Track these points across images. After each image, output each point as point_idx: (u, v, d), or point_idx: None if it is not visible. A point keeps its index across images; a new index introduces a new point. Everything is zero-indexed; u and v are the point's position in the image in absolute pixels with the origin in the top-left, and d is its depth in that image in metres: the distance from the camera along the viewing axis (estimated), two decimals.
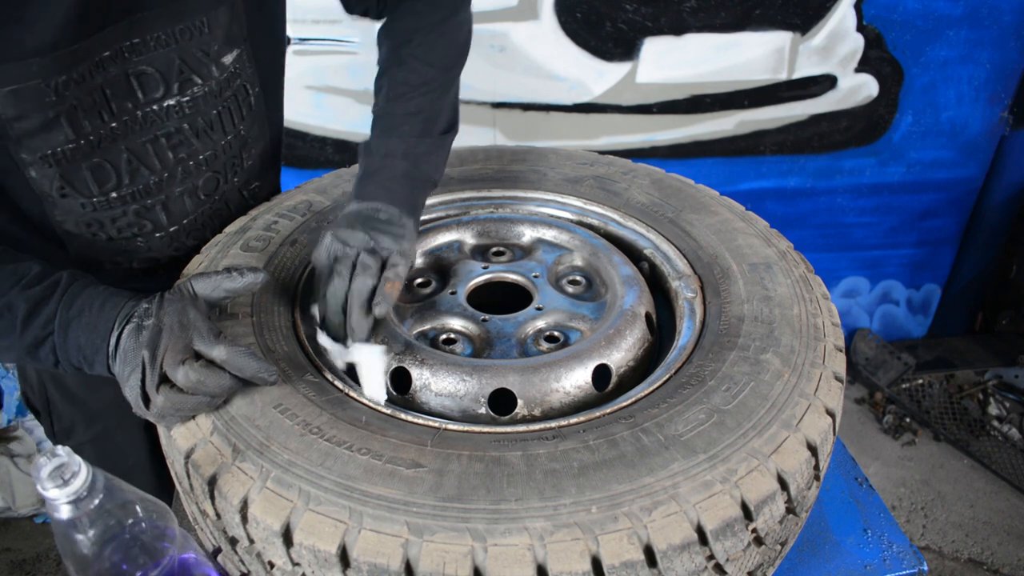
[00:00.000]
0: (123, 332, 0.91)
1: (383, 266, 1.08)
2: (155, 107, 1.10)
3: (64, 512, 0.70)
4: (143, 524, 0.75)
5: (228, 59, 1.16)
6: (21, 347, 0.94)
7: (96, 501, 0.71)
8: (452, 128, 1.28)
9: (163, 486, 0.96)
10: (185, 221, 1.23)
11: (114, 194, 1.12)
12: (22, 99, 0.96)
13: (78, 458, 0.71)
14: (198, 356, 0.90)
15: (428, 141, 1.22)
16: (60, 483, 0.69)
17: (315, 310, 1.09)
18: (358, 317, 1.02)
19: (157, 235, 1.21)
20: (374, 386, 1.00)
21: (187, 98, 1.13)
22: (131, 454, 0.88)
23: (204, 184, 1.23)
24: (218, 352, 0.90)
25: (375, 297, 1.04)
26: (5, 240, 1.01)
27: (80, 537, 0.72)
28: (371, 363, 1.01)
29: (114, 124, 1.07)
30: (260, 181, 1.36)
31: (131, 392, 0.89)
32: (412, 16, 1.26)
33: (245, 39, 1.18)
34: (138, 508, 0.75)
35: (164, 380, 0.89)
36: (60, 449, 0.71)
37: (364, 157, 1.23)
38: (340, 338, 1.04)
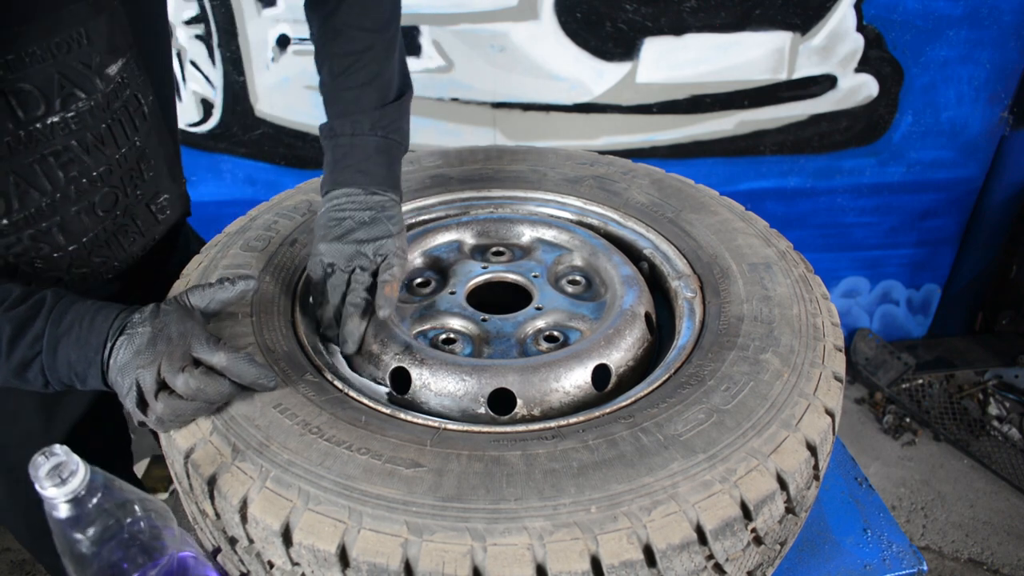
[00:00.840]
0: (117, 343, 0.91)
1: (376, 271, 1.11)
2: (38, 125, 1.02)
3: (62, 511, 0.70)
4: (142, 523, 0.75)
5: (113, 69, 1.09)
6: (8, 370, 0.93)
7: (94, 500, 0.71)
8: (406, 89, 1.26)
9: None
10: (85, 240, 1.15)
11: (4, 221, 1.04)
12: None
13: (76, 457, 0.71)
14: (197, 363, 0.90)
15: (389, 108, 1.20)
16: (58, 482, 0.69)
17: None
18: (350, 328, 1.07)
19: (55, 255, 1.13)
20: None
21: (71, 113, 1.05)
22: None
23: (101, 200, 1.14)
24: (218, 359, 0.89)
25: (377, 301, 1.07)
26: None
27: (79, 536, 0.72)
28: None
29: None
30: (167, 193, 1.28)
31: (130, 401, 0.89)
32: None
33: (130, 47, 1.11)
34: (137, 507, 0.75)
35: (163, 387, 0.88)
36: (58, 448, 0.71)
37: (329, 140, 1.20)
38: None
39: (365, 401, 0.95)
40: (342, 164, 1.17)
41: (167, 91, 1.26)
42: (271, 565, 0.84)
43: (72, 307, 0.94)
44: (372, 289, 1.11)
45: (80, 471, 0.70)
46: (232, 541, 0.86)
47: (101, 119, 1.09)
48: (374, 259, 1.12)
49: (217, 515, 0.85)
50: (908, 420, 3.17)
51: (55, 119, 1.03)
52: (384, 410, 0.94)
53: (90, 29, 1.03)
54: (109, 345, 0.91)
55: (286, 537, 0.79)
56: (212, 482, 0.84)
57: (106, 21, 1.05)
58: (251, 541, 0.83)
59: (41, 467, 0.70)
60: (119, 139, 1.13)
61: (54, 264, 1.13)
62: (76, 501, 0.70)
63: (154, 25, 1.20)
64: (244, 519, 0.81)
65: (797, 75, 2.74)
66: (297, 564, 0.80)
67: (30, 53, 0.97)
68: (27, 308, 0.93)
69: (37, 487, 0.70)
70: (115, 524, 0.73)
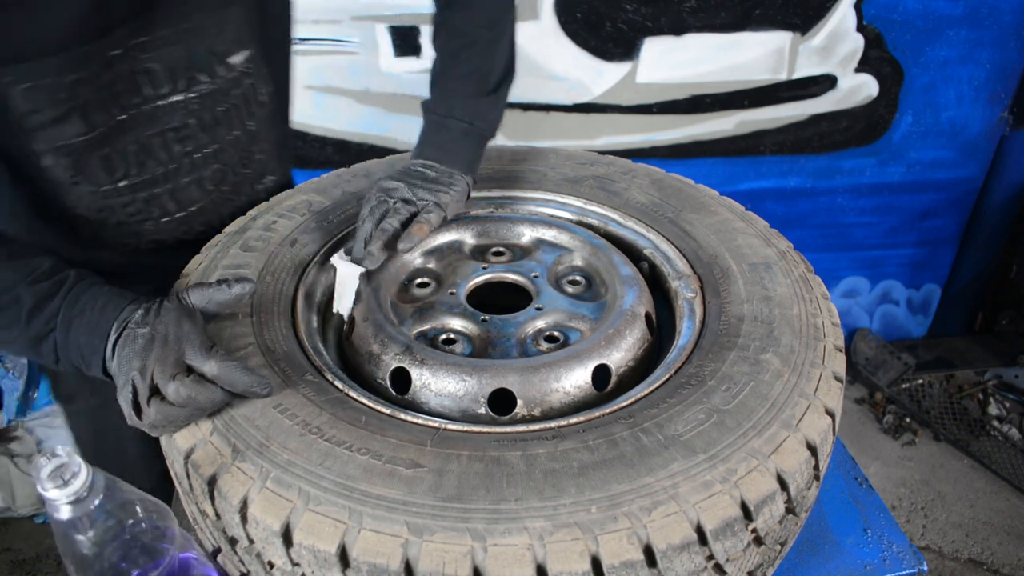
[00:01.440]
0: (120, 337, 0.92)
1: (415, 214, 1.17)
2: (161, 102, 1.13)
3: (64, 512, 0.70)
4: (143, 524, 0.75)
5: (237, 59, 1.19)
6: (25, 340, 0.95)
7: (96, 501, 0.71)
8: (507, 77, 1.34)
9: (160, 463, 0.97)
10: (193, 208, 1.26)
11: (123, 183, 1.15)
12: (36, 95, 1.00)
13: (78, 459, 0.71)
14: (190, 370, 0.90)
15: (483, 100, 1.29)
16: (60, 483, 0.69)
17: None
18: (375, 247, 1.12)
19: (164, 220, 1.24)
20: (344, 302, 1.13)
21: (193, 95, 1.16)
22: (128, 428, 0.89)
23: (212, 175, 1.26)
24: (209, 367, 0.89)
25: (403, 234, 1.13)
26: (19, 224, 1.03)
27: (80, 537, 0.72)
28: (347, 281, 1.12)
29: (122, 117, 1.10)
30: (275, 176, 1.39)
31: (124, 403, 0.89)
32: None
33: (256, 40, 1.20)
34: (138, 508, 0.75)
35: (156, 392, 0.88)
36: (60, 449, 0.71)
37: (426, 115, 1.30)
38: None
39: (365, 401, 0.95)
40: (430, 139, 1.27)
41: (285, 83, 1.36)
42: (271, 565, 0.84)
43: (88, 290, 0.96)
44: (408, 225, 1.17)
45: (82, 473, 0.70)
46: (232, 541, 0.86)
47: (220, 103, 1.19)
48: (419, 201, 1.19)
49: (217, 515, 0.85)
50: (908, 420, 3.17)
51: (177, 98, 1.14)
52: (384, 410, 0.94)
53: (219, 19, 1.13)
54: (112, 338, 0.92)
55: (286, 537, 0.79)
56: (212, 482, 0.84)
57: (235, 13, 1.15)
58: (251, 541, 0.83)
59: (43, 468, 0.70)
60: (234, 123, 1.24)
61: (162, 228, 1.24)
62: (78, 502, 0.70)
63: (280, 20, 1.30)
64: (244, 519, 0.81)
65: (797, 75, 2.74)
66: (297, 564, 0.80)
67: (162, 36, 1.08)
68: (50, 284, 0.95)
69: (39, 488, 0.70)
70: (117, 525, 0.73)
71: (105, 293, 0.96)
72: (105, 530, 0.73)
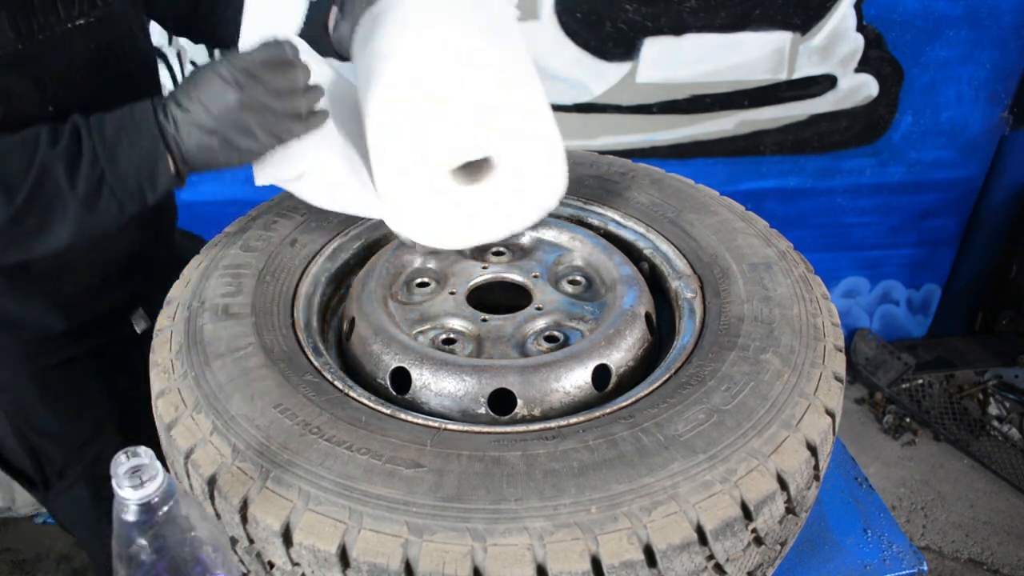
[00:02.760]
0: (179, 119, 0.95)
1: None
2: (70, 25, 1.10)
3: (132, 514, 0.70)
4: (197, 542, 0.75)
5: None
6: (77, 205, 0.93)
7: (164, 509, 0.70)
8: None
9: None
10: None
11: (51, 108, 1.10)
12: None
13: (158, 463, 0.70)
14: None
15: None
16: (137, 484, 0.68)
17: None
18: None
19: None
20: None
21: (92, 19, 1.13)
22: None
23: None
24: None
25: None
26: None
27: (141, 541, 0.71)
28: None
29: (42, 36, 1.07)
30: None
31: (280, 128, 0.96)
32: None
33: None
34: (197, 525, 0.75)
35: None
36: (141, 450, 0.70)
37: None
38: None
39: (365, 401, 0.95)
40: None
41: (149, 40, 1.34)
42: (271, 565, 0.84)
43: (107, 116, 0.96)
44: None
45: (159, 477, 0.70)
46: (233, 541, 0.86)
47: (109, 31, 1.17)
48: None
49: (217, 515, 0.85)
50: (908, 420, 3.17)
51: (81, 22, 1.11)
52: (384, 410, 0.94)
53: None
54: (169, 129, 0.94)
55: (286, 537, 0.79)
56: (212, 482, 0.84)
57: None
58: (251, 541, 0.83)
59: (122, 466, 0.69)
60: (122, 58, 1.21)
61: None
62: (148, 506, 0.69)
63: None
64: (244, 519, 0.81)
65: (797, 75, 2.73)
66: (297, 564, 0.80)
67: None
68: (68, 137, 0.94)
69: (114, 484, 0.69)
70: (175, 537, 0.72)
71: (122, 110, 0.96)
72: (163, 539, 0.72)
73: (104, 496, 0.72)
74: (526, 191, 1.17)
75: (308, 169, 1.10)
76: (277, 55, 0.98)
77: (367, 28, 1.16)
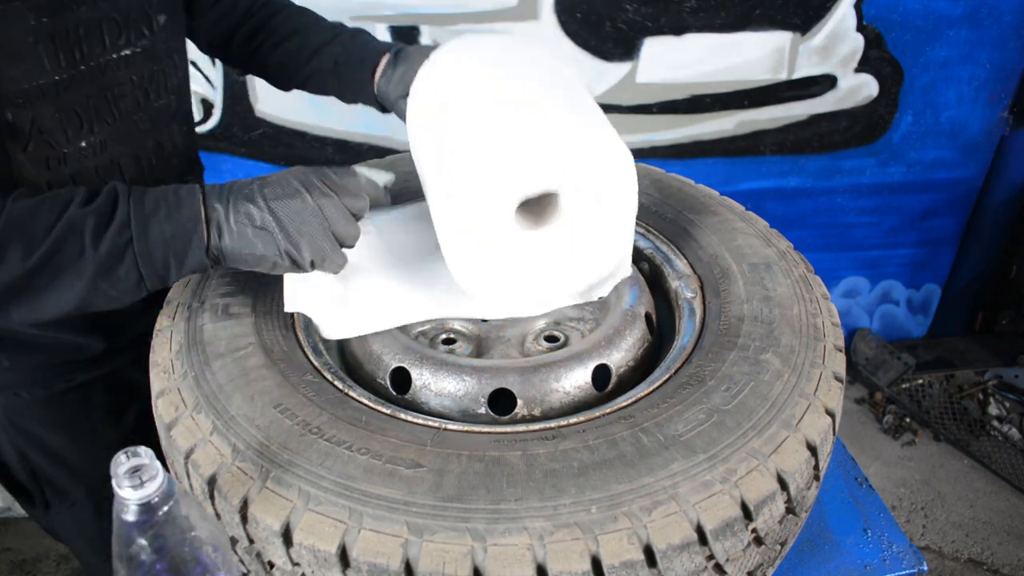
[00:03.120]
0: (230, 206, 0.93)
1: None
2: (114, 55, 1.10)
3: (131, 514, 0.70)
4: (197, 542, 0.75)
5: (161, 19, 1.16)
6: (95, 267, 0.89)
7: (164, 509, 0.70)
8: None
9: None
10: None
11: (83, 143, 1.10)
12: (5, 20, 0.95)
13: (158, 463, 0.70)
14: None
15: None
16: (137, 483, 0.68)
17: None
18: None
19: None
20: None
21: (139, 49, 1.13)
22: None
23: (151, 146, 1.22)
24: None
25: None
26: None
27: (141, 541, 0.71)
28: None
29: (83, 67, 1.06)
30: (192, 175, 1.38)
31: (311, 247, 0.94)
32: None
33: (170, 6, 1.19)
34: (197, 525, 0.75)
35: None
36: (141, 450, 0.70)
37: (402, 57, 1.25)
38: None
39: (365, 401, 0.95)
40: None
41: (186, 77, 1.33)
42: (271, 565, 0.84)
43: (149, 190, 0.93)
44: None
45: (159, 477, 0.70)
46: (232, 541, 0.86)
47: (154, 61, 1.17)
48: None
49: (217, 515, 0.85)
50: (908, 420, 3.17)
51: (127, 52, 1.11)
52: (384, 410, 0.94)
53: None
54: (218, 206, 0.92)
55: (286, 537, 0.79)
56: (212, 482, 0.84)
57: None
58: (251, 541, 0.83)
59: (122, 465, 0.69)
60: (161, 89, 1.20)
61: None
62: (147, 506, 0.69)
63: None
64: (244, 519, 0.81)
65: (797, 75, 2.73)
66: (297, 564, 0.80)
67: None
68: (105, 198, 0.90)
69: (114, 484, 0.69)
70: (175, 537, 0.72)
71: (167, 188, 0.93)
72: (163, 539, 0.72)
73: (106, 512, 0.72)
74: (599, 238, 1.08)
75: (345, 293, 1.08)
76: (354, 182, 0.98)
77: (425, 81, 1.12)
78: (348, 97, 1.34)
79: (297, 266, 0.96)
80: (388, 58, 1.25)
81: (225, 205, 0.93)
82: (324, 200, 0.95)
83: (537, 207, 1.05)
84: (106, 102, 1.11)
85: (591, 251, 1.08)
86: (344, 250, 1.01)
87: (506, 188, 0.98)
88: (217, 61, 2.52)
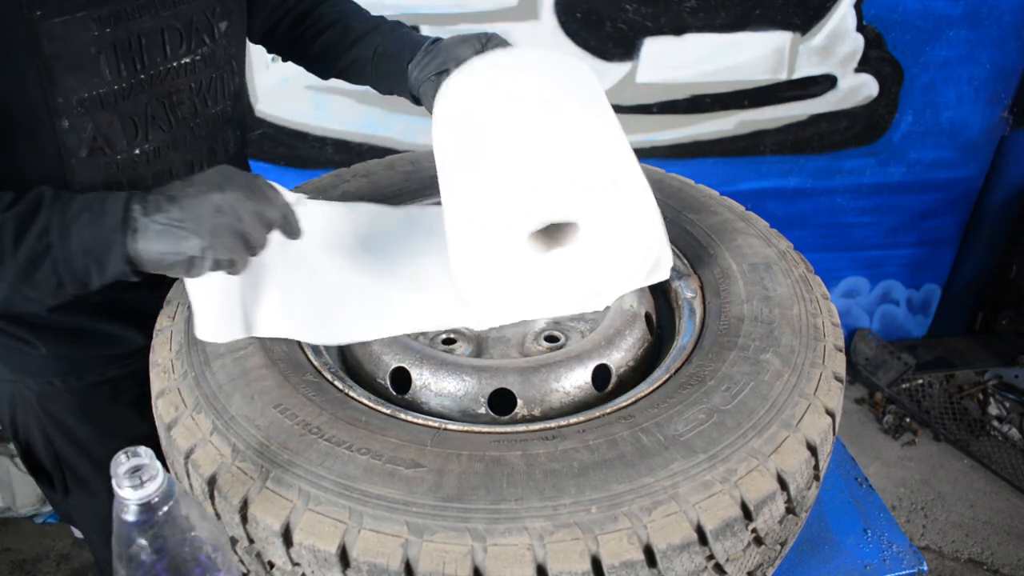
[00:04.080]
0: (149, 207, 0.90)
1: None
2: (174, 63, 1.11)
3: (131, 514, 0.70)
4: (201, 542, 0.75)
5: (223, 26, 1.18)
6: (14, 271, 0.89)
7: (164, 509, 0.71)
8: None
9: None
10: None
11: (136, 151, 1.11)
12: (68, 31, 0.97)
13: (158, 463, 0.70)
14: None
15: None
16: (136, 483, 0.68)
17: None
18: None
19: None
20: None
21: (198, 57, 1.15)
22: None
23: (206, 152, 1.23)
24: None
25: None
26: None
27: (141, 541, 0.71)
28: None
29: (143, 76, 1.08)
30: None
31: (212, 255, 0.89)
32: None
33: (231, 12, 1.20)
34: (196, 525, 0.75)
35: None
36: (141, 450, 0.70)
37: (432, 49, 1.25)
38: None
39: (365, 401, 0.95)
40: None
41: (243, 73, 1.34)
42: (271, 565, 0.84)
43: (76, 197, 0.91)
44: None
45: (159, 477, 0.70)
46: (232, 541, 0.86)
47: (213, 68, 1.18)
48: None
49: (217, 515, 0.85)
50: (908, 420, 3.17)
51: (187, 60, 1.13)
52: (384, 410, 0.94)
53: None
54: (138, 217, 0.89)
55: (286, 537, 0.79)
56: (212, 482, 0.84)
57: None
58: (251, 541, 0.83)
59: (122, 465, 0.69)
60: (218, 95, 1.21)
61: None
62: (147, 506, 0.70)
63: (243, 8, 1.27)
64: (244, 519, 0.81)
65: (797, 75, 2.73)
66: (297, 564, 0.80)
67: None
68: (28, 203, 0.90)
69: (114, 484, 0.69)
70: (175, 537, 0.72)
71: (96, 194, 0.92)
72: (162, 539, 0.72)
73: None
74: (614, 263, 1.09)
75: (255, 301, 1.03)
76: (265, 185, 0.97)
77: (457, 86, 1.08)
78: (384, 87, 1.35)
79: (205, 266, 0.92)
80: (424, 48, 1.25)
81: (143, 207, 0.91)
82: (237, 199, 0.92)
83: (552, 229, 1.06)
84: (164, 109, 1.13)
85: (601, 273, 1.09)
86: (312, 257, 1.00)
87: (524, 217, 0.99)
88: None
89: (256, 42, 1.45)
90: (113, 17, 1.01)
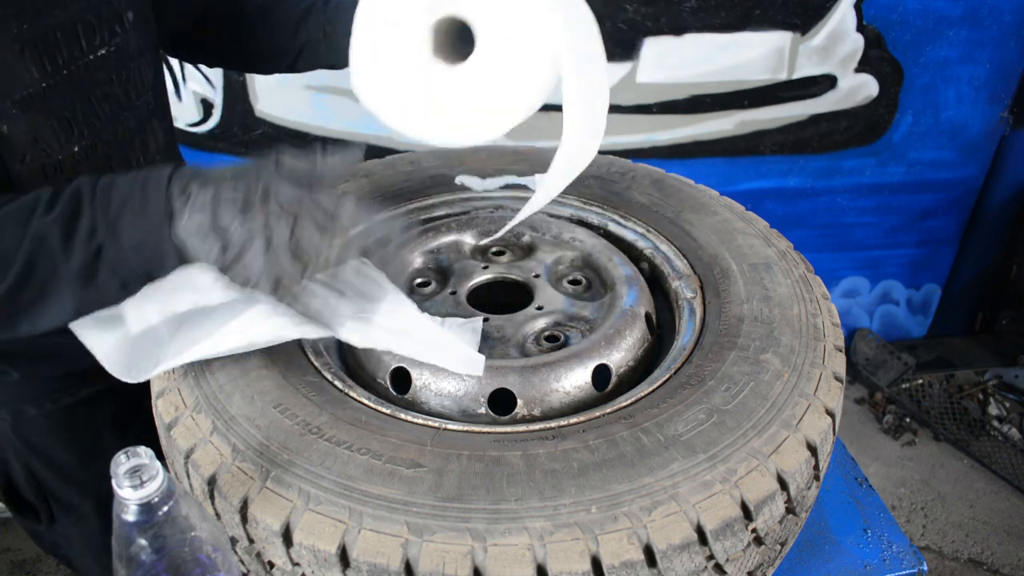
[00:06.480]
0: (191, 199, 0.81)
1: None
2: (92, 56, 1.08)
3: (131, 514, 0.70)
4: (197, 542, 0.75)
5: (129, 16, 1.15)
6: (72, 280, 0.83)
7: (164, 509, 0.70)
8: None
9: None
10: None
11: (76, 147, 1.07)
12: None
13: (158, 463, 0.70)
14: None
15: None
16: (137, 483, 0.68)
17: None
18: None
19: None
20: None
21: (113, 48, 1.11)
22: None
23: (140, 145, 1.20)
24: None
25: None
26: None
27: (140, 541, 0.71)
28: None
29: (66, 72, 1.04)
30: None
31: (257, 251, 0.81)
32: None
33: (136, 2, 1.18)
34: (197, 525, 0.75)
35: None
36: (141, 449, 0.70)
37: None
38: None
39: (365, 401, 0.95)
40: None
41: (162, 78, 1.30)
42: (271, 565, 0.84)
43: (114, 184, 0.84)
44: None
45: (159, 477, 0.70)
46: (232, 541, 0.86)
47: (129, 58, 1.15)
48: None
49: (217, 515, 0.85)
50: (908, 420, 3.17)
51: (103, 52, 1.10)
52: (384, 410, 0.94)
53: None
54: (182, 211, 0.81)
55: (286, 537, 0.79)
56: (212, 482, 0.84)
57: None
58: (251, 541, 0.83)
59: (122, 465, 0.69)
60: (138, 86, 1.19)
61: None
62: (147, 506, 0.70)
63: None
64: (244, 519, 0.81)
65: (797, 75, 2.74)
66: (297, 564, 0.80)
67: None
68: (66, 203, 0.83)
69: (114, 484, 0.69)
70: (175, 537, 0.72)
71: (132, 176, 0.85)
72: (163, 539, 0.72)
73: (112, 525, 0.71)
74: (513, 81, 1.03)
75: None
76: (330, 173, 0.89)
77: None
78: (344, 61, 1.31)
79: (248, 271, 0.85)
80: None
81: (190, 196, 0.83)
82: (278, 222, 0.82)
83: (457, 45, 1.04)
84: (91, 104, 1.11)
85: (507, 86, 1.04)
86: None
87: (428, 11, 0.98)
88: None
89: (173, 52, 1.42)
90: (29, 11, 0.98)
